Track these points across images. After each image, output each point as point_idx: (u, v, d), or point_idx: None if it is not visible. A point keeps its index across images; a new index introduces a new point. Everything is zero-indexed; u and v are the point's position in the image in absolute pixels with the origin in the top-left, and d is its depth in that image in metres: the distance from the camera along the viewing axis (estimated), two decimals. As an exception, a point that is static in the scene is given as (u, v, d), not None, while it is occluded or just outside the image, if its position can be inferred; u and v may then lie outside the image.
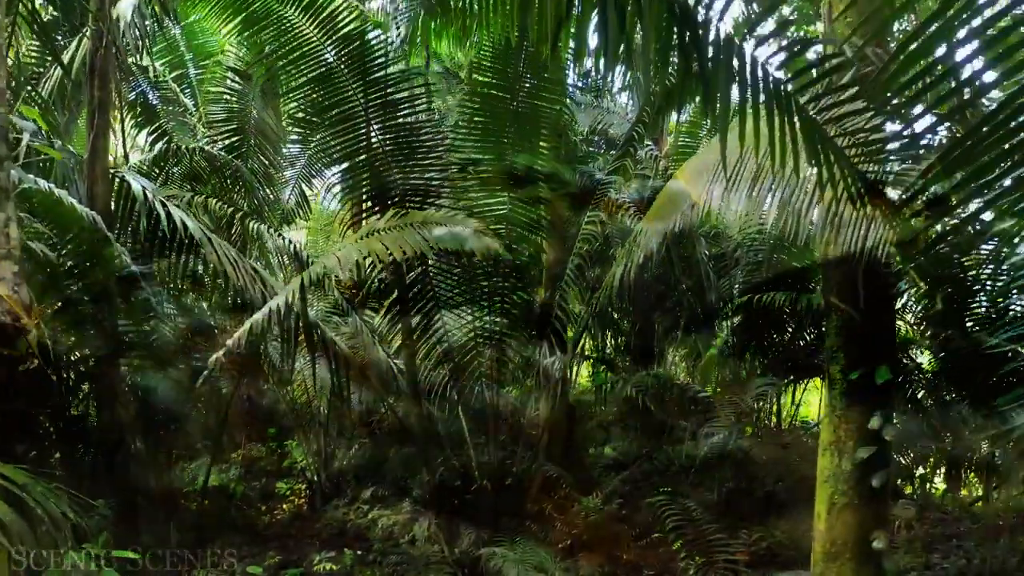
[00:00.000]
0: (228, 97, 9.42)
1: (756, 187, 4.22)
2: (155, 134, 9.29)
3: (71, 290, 5.24)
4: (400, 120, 6.34)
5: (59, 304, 5.14)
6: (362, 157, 6.33)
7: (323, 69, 6.04)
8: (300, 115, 6.55)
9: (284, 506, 9.14)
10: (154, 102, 9.73)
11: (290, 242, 6.72)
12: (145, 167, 7.80)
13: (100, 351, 5.28)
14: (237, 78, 9.27)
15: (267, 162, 9.40)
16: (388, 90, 6.15)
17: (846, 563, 4.39)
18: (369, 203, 6.56)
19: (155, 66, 9.65)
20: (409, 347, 7.05)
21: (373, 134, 6.22)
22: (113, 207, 5.69)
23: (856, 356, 4.40)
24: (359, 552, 7.37)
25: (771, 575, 5.55)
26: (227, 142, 9.08)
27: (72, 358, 5.35)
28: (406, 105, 6.35)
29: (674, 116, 10.73)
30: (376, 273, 6.73)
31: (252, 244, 6.71)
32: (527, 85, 6.45)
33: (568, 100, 7.43)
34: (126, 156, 9.19)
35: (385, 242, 5.07)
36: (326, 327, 6.38)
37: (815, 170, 3.75)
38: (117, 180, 5.67)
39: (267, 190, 9.05)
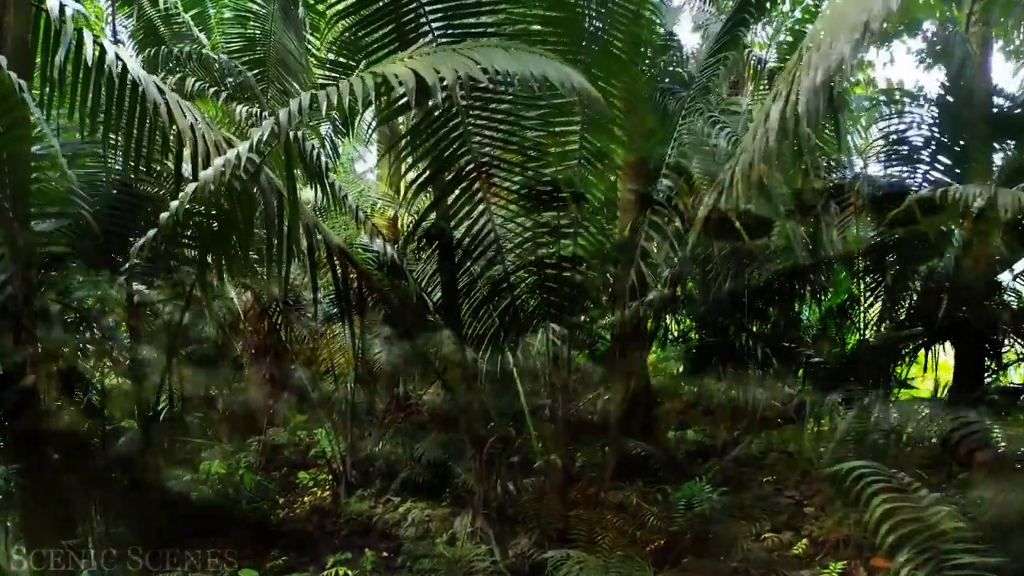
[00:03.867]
0: (247, 22, 7.55)
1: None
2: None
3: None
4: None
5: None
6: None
7: None
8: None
9: (305, 499, 7.15)
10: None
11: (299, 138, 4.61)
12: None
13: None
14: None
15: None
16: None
17: None
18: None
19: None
20: (450, 282, 4.94)
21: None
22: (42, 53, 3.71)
23: None
24: (384, 554, 5.30)
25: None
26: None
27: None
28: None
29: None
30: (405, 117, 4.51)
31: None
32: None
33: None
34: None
35: (412, 65, 2.96)
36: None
37: None
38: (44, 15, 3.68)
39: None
